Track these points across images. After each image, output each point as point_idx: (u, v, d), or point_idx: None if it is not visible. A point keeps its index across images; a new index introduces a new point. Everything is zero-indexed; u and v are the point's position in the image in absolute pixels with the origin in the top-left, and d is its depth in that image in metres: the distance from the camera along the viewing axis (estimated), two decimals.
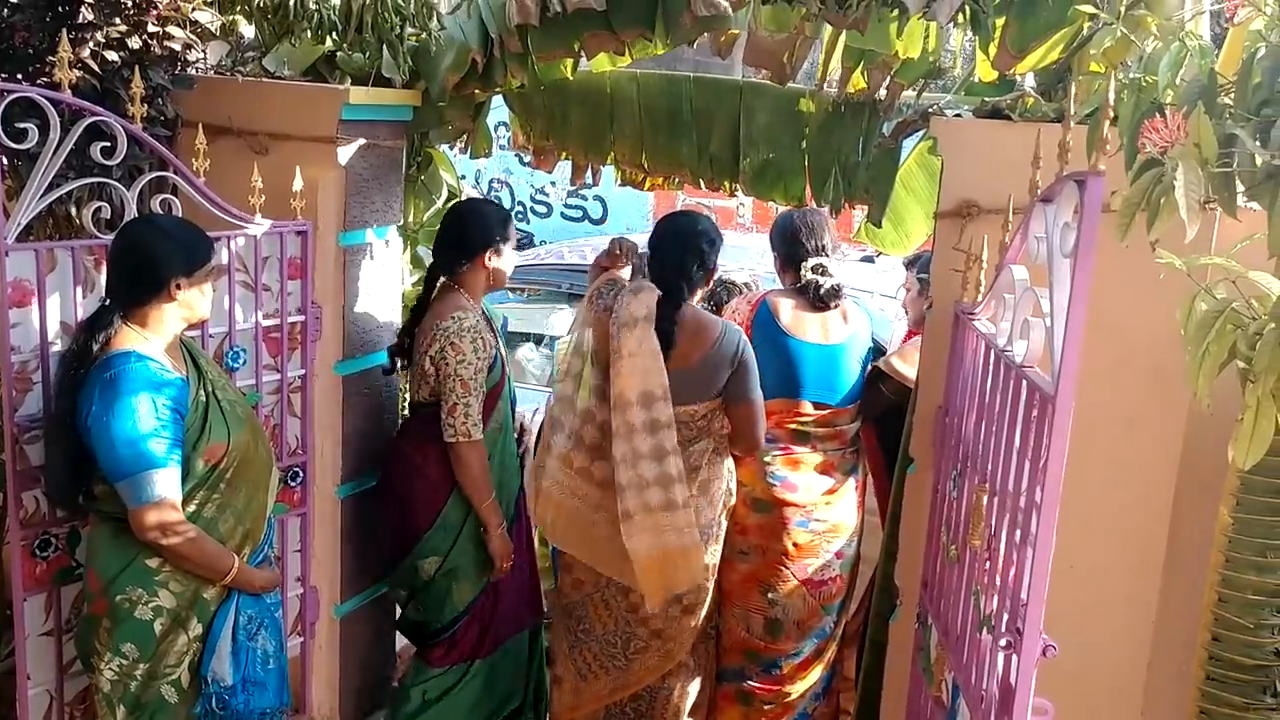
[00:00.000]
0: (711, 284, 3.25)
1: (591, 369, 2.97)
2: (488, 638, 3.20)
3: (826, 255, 3.28)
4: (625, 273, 3.17)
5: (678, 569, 2.88)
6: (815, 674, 3.33)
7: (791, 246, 3.32)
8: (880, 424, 3.32)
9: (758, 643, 3.26)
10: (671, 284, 2.96)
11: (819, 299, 3.24)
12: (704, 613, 3.16)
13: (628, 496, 2.82)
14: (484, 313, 3.15)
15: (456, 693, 3.20)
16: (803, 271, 3.26)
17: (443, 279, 3.11)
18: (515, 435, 3.34)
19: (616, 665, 3.16)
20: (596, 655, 3.18)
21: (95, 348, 2.28)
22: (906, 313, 3.60)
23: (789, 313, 3.24)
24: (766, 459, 3.20)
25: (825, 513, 3.20)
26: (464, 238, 3.07)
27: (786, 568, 3.18)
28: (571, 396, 3.00)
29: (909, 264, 3.60)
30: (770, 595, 3.20)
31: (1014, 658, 1.86)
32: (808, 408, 3.23)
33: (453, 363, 2.94)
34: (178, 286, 2.34)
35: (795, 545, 3.17)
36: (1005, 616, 1.93)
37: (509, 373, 3.24)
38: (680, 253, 2.99)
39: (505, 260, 3.14)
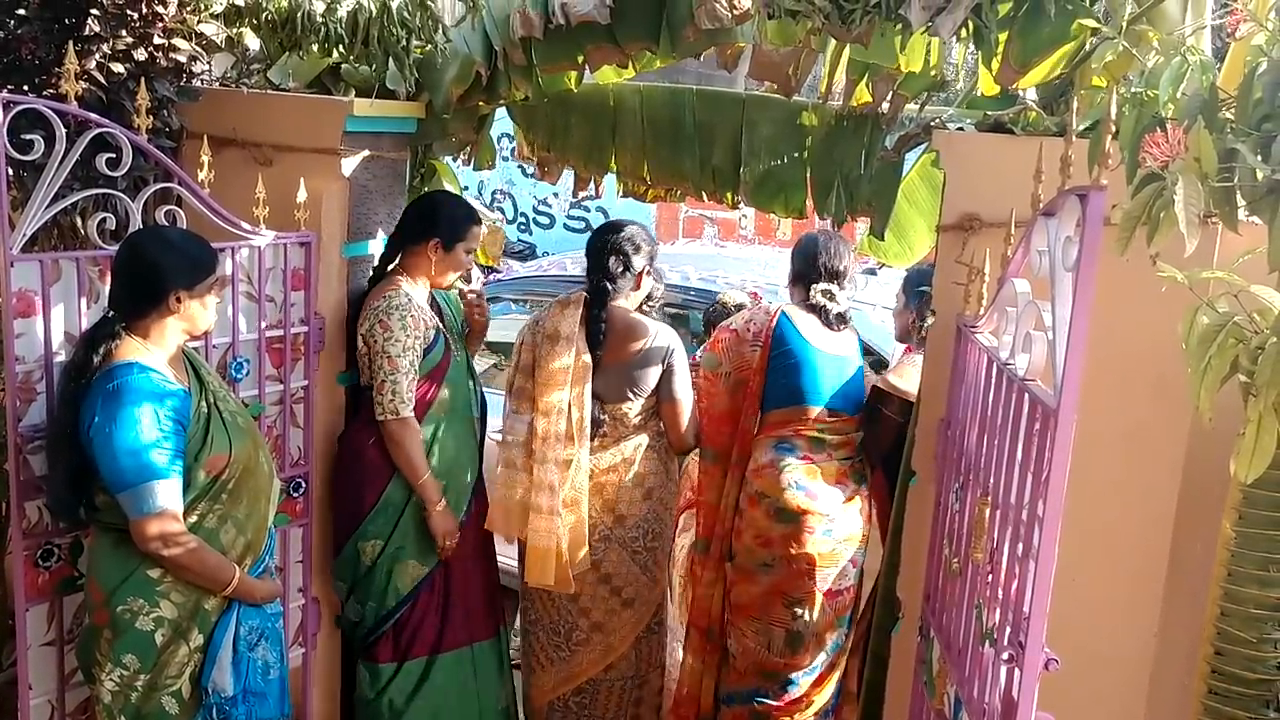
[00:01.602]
0: (657, 288, 3.43)
1: (523, 377, 3.21)
2: (445, 635, 3.17)
3: (838, 283, 3.29)
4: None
5: (534, 564, 3.11)
6: (829, 689, 3.32)
7: (805, 266, 3.34)
8: (885, 461, 3.30)
9: (777, 660, 3.22)
10: (596, 285, 3.21)
11: (826, 321, 3.27)
12: (649, 610, 3.30)
13: (533, 493, 3.12)
14: (433, 298, 3.19)
15: (427, 696, 3.16)
16: (811, 293, 3.28)
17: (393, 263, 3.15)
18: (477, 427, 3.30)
19: (560, 656, 3.28)
20: (544, 646, 3.30)
21: (97, 359, 2.29)
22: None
23: (806, 324, 3.26)
24: (786, 468, 3.19)
25: (844, 521, 3.20)
26: (412, 224, 3.13)
27: (810, 578, 3.16)
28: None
29: None
30: (795, 608, 3.19)
31: (1016, 671, 1.85)
32: (824, 414, 3.24)
33: (380, 340, 2.97)
34: (178, 299, 2.34)
35: (819, 554, 3.15)
36: (1007, 630, 1.93)
37: (456, 358, 3.19)
38: (602, 256, 3.22)
39: (450, 260, 3.11)
